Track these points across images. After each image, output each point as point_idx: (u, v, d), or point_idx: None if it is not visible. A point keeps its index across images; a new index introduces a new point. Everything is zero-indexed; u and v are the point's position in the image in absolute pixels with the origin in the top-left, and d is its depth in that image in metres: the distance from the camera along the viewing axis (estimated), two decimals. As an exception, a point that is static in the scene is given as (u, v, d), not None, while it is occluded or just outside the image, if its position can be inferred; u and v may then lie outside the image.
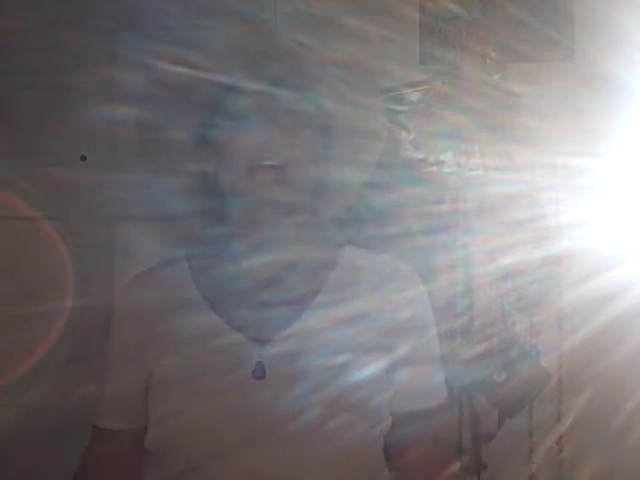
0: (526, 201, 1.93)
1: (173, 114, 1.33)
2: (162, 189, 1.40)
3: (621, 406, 1.98)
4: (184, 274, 1.33)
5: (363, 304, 1.29)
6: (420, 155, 1.97)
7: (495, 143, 1.95)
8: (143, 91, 1.37)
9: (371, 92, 1.42)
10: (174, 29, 1.85)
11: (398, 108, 1.96)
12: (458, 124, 1.95)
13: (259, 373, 1.24)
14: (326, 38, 1.58)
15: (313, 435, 1.23)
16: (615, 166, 1.99)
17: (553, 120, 2.00)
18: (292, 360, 1.26)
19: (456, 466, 1.32)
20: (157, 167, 1.39)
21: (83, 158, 2.12)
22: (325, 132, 1.31)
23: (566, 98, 2.05)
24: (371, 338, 1.28)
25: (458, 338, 1.93)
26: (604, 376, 1.98)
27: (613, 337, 1.97)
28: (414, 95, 1.99)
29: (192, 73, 1.30)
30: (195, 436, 1.25)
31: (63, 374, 1.45)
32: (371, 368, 1.27)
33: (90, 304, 1.88)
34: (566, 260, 1.99)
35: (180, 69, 1.31)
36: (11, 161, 2.03)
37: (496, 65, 2.00)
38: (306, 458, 1.24)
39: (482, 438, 2.03)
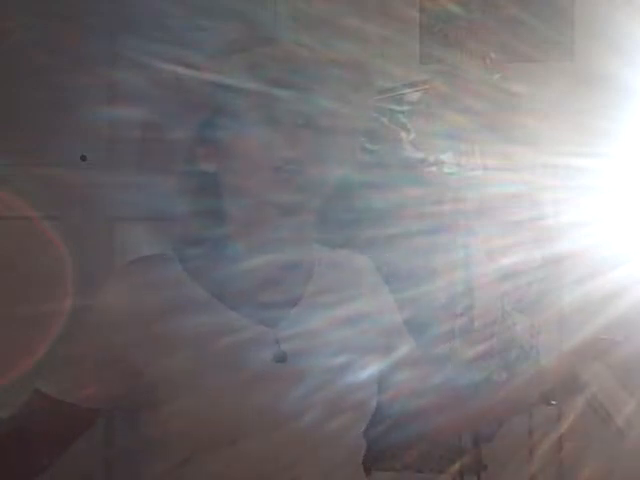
0: (526, 201, 1.93)
1: (173, 114, 1.33)
2: (162, 189, 1.40)
3: (621, 406, 1.98)
4: (179, 274, 1.33)
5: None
6: (420, 155, 1.97)
7: (495, 143, 1.95)
8: (143, 91, 1.37)
9: (370, 92, 1.42)
10: (174, 29, 1.85)
11: (398, 108, 1.96)
12: (458, 124, 1.94)
13: (281, 357, 1.25)
14: (326, 38, 1.58)
15: (313, 435, 1.23)
16: (615, 166, 1.99)
17: (553, 120, 2.00)
18: (290, 360, 1.26)
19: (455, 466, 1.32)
20: (157, 167, 1.39)
21: (83, 158, 2.12)
22: (325, 132, 1.31)
23: (566, 98, 2.05)
24: (368, 338, 1.28)
25: (458, 338, 1.93)
26: (604, 376, 1.98)
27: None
28: (414, 95, 1.99)
29: (192, 73, 1.30)
30: (198, 433, 1.25)
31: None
32: (367, 368, 1.27)
33: (90, 304, 1.87)
34: (566, 260, 1.99)
35: (180, 69, 1.31)
36: (11, 161, 2.03)
37: (496, 65, 2.00)
38: (305, 458, 1.24)
39: (482, 438, 2.03)
